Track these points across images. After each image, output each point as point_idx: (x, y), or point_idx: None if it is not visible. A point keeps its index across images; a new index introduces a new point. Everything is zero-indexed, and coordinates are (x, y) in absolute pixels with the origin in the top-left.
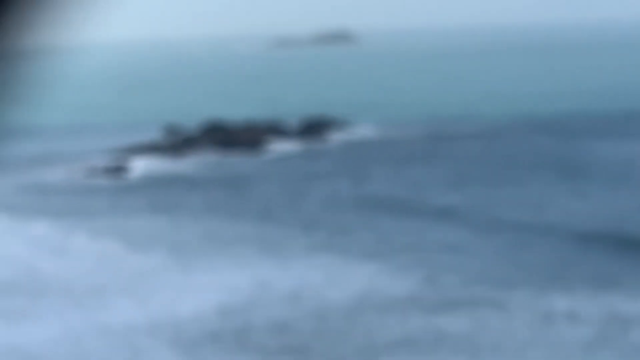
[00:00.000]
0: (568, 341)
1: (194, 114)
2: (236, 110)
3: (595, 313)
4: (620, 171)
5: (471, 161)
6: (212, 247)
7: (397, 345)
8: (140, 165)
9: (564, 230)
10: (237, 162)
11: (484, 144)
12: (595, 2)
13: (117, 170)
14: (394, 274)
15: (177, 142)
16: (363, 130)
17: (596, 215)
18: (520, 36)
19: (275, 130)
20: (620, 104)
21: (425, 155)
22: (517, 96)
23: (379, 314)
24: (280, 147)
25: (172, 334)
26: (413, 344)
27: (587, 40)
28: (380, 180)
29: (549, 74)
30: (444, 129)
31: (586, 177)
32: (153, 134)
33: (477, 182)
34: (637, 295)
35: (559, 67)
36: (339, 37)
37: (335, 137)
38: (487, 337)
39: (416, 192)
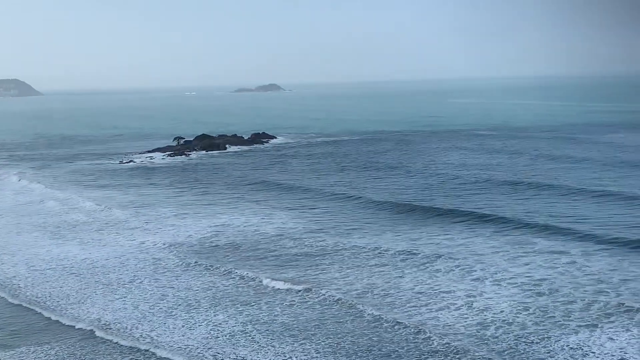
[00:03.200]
0: (384, 258)
1: (190, 130)
2: (214, 127)
3: (394, 244)
4: (418, 166)
5: (325, 158)
6: (196, 204)
7: (299, 255)
8: (160, 158)
9: (370, 200)
10: (214, 156)
11: (334, 148)
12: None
13: (148, 160)
14: (296, 219)
15: (181, 146)
16: (283, 139)
17: (389, 190)
18: (377, 87)
19: (236, 138)
20: (415, 126)
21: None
22: (357, 121)
23: (288, 239)
24: (238, 148)
25: (175, 250)
26: (308, 255)
27: (405, 91)
28: (293, 168)
29: (378, 109)
30: (315, 140)
31: (401, 170)
32: (166, 141)
33: (335, 170)
34: (419, 234)
35: (383, 105)
36: (271, 87)
37: (269, 143)
38: (346, 254)
39: (305, 177)
